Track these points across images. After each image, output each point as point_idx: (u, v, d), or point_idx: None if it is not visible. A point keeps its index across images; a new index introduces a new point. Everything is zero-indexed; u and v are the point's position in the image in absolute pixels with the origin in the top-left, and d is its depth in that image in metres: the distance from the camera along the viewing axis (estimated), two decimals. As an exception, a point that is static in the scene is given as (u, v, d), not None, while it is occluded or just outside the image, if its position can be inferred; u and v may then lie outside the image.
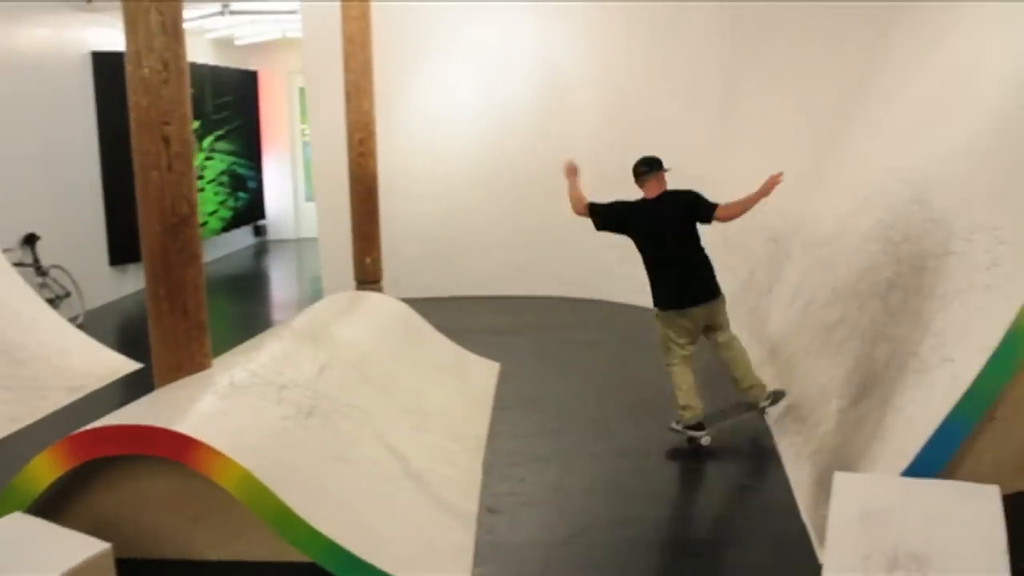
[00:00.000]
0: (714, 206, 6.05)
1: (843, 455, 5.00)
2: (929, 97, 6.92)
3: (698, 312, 6.13)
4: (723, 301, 6.28)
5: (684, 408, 6.11)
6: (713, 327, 6.26)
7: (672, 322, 6.18)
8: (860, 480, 4.02)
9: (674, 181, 10.04)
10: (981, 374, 4.13)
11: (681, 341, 6.19)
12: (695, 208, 6.11)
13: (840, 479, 3.82)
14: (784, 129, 9.13)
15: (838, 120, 8.42)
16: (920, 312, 5.22)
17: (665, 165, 6.34)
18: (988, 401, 4.19)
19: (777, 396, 6.28)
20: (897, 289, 5.76)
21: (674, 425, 6.15)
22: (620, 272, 10.23)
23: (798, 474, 5.36)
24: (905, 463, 4.10)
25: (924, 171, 6.27)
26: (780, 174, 5.87)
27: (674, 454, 6.00)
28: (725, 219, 6.08)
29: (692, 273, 6.14)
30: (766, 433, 6.19)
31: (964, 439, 4.13)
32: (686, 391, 6.13)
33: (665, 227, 6.11)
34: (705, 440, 6.05)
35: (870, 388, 5.28)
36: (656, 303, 6.27)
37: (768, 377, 6.89)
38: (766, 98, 9.57)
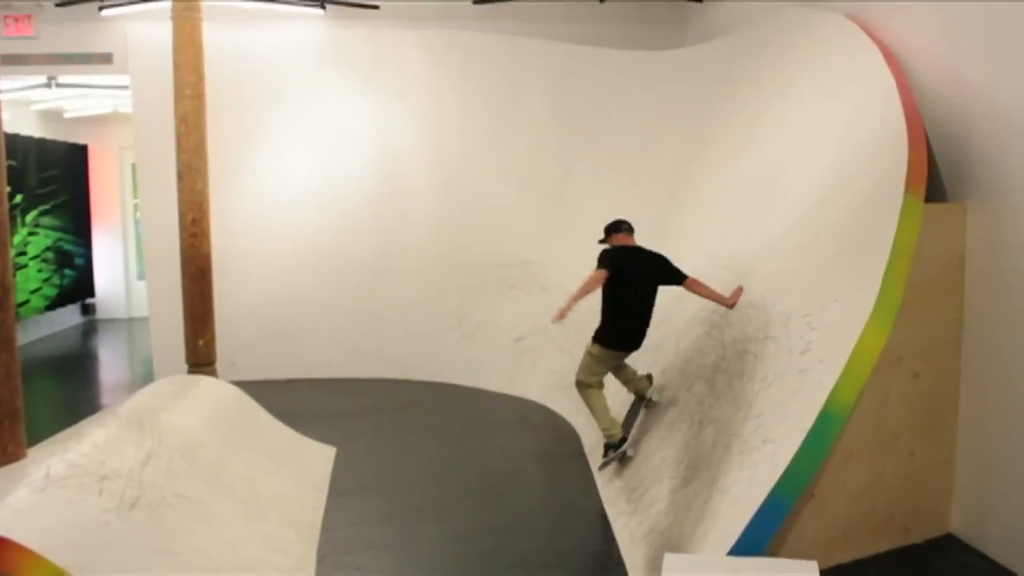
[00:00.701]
0: (684, 274, 6.57)
1: (674, 535, 5.13)
2: (752, 185, 7.35)
3: (622, 356, 6.86)
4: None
5: (609, 427, 6.73)
6: (618, 375, 6.99)
7: (609, 358, 6.79)
8: (689, 561, 4.13)
9: (512, 264, 10.23)
10: (798, 454, 4.32)
11: (605, 373, 6.87)
12: (667, 270, 6.63)
13: (670, 560, 3.91)
14: (615, 214, 9.43)
15: (667, 206, 8.84)
16: (743, 395, 5.46)
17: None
18: (806, 480, 4.38)
19: (650, 378, 7.02)
20: (722, 372, 6.02)
21: (604, 458, 6.79)
22: (459, 354, 10.32)
23: (632, 554, 5.45)
24: (731, 542, 4.23)
25: (743, 259, 6.62)
26: (741, 288, 6.41)
27: (509, 536, 6.01)
28: (690, 288, 6.54)
29: (644, 325, 6.74)
30: (601, 513, 6.28)
31: (785, 517, 4.29)
32: (606, 412, 6.75)
33: (642, 277, 6.67)
34: (630, 452, 6.67)
35: (699, 469, 5.46)
36: (603, 340, 6.77)
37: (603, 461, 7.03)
38: (598, 184, 9.95)
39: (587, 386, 6.79)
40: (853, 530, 5.40)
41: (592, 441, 7.61)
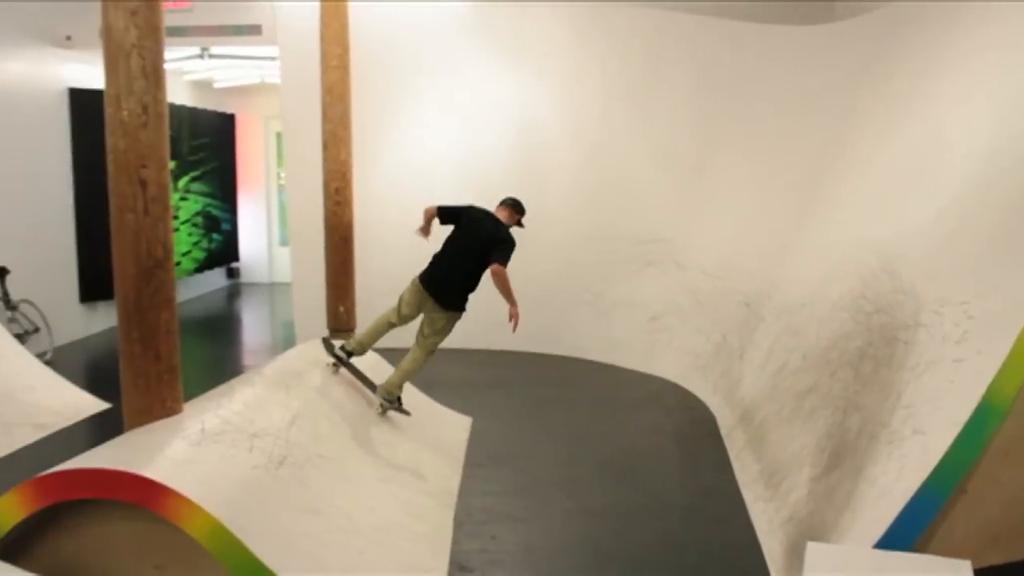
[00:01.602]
0: (501, 261, 6.54)
1: (815, 524, 5.01)
2: (899, 169, 7.06)
3: (428, 304, 6.82)
4: (448, 319, 6.88)
5: (357, 341, 7.01)
6: (424, 326, 6.96)
7: (414, 291, 6.87)
8: (833, 551, 4.04)
9: (650, 241, 10.14)
10: (952, 447, 4.16)
11: (404, 310, 6.94)
12: (495, 246, 6.64)
13: (813, 550, 3.82)
14: (756, 193, 9.27)
15: (810, 187, 8.56)
16: (892, 383, 5.28)
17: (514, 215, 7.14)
18: (959, 474, 4.22)
19: (386, 407, 6.81)
20: (868, 359, 5.83)
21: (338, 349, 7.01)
22: (594, 330, 10.30)
23: (770, 542, 5.36)
24: (877, 535, 4.11)
25: (894, 243, 6.37)
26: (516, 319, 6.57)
27: (644, 515, 5.98)
28: (494, 275, 6.52)
29: (454, 279, 6.77)
30: (737, 497, 6.18)
31: (936, 512, 4.15)
32: (370, 333, 7.02)
33: (473, 236, 6.77)
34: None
35: (842, 457, 5.31)
36: (421, 275, 6.89)
37: (740, 442, 6.92)
38: (739, 161, 9.72)
39: (386, 313, 7.05)
40: (1006, 531, 5.16)
41: (729, 423, 7.50)
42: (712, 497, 6.30)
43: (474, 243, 6.71)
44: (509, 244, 6.70)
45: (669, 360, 9.52)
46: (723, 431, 7.55)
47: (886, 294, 6.05)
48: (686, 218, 10.08)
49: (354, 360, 7.04)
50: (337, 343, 7.08)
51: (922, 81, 7.37)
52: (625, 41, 10.63)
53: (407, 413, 6.87)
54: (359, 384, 6.99)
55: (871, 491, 4.63)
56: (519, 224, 7.12)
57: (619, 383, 9.42)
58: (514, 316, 6.51)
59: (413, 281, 6.89)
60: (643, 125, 10.51)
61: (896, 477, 4.48)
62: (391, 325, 7.01)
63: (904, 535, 4.07)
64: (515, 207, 7.10)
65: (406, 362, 6.91)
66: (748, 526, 5.71)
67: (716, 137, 10.12)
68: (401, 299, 6.95)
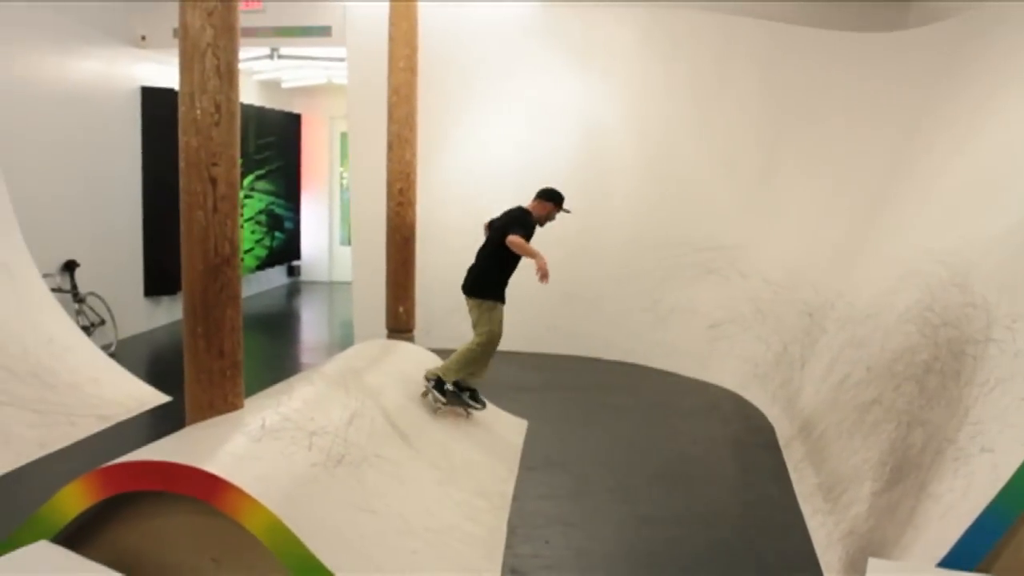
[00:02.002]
0: (513, 233, 6.85)
1: (876, 540, 4.92)
2: (972, 179, 6.90)
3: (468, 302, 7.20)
4: (477, 308, 7.13)
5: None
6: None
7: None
8: (895, 568, 3.96)
9: (711, 248, 10.07)
10: (1023, 466, 4.05)
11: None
12: (506, 227, 6.97)
13: (875, 565, 3.75)
14: (822, 201, 9.15)
15: (877, 195, 8.42)
16: (959, 398, 5.16)
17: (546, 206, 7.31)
18: (1029, 494, 4.11)
19: (427, 389, 6.99)
20: (934, 373, 5.70)
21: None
22: (651, 336, 10.24)
23: (828, 556, 5.27)
24: (941, 553, 4.01)
25: (963, 254, 6.23)
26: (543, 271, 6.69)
27: (699, 524, 5.92)
28: (510, 245, 6.83)
29: (472, 268, 7.28)
30: (795, 509, 6.09)
31: (1004, 532, 4.04)
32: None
33: (492, 230, 7.28)
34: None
35: (905, 472, 5.20)
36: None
37: (799, 454, 6.83)
38: (805, 169, 9.61)
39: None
40: (1076, 554, 5.03)
41: (788, 434, 7.40)
42: (769, 508, 6.21)
43: (492, 234, 7.21)
44: (517, 219, 7.01)
45: (728, 368, 9.42)
46: (781, 442, 7.45)
47: (955, 307, 5.91)
48: (749, 226, 9.98)
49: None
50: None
51: (999, 90, 7.21)
52: (691, 45, 10.56)
53: (442, 403, 6.93)
54: (420, 384, 7.02)
55: (935, 508, 4.53)
56: (558, 210, 7.31)
57: (676, 390, 9.36)
58: (540, 269, 6.65)
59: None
60: (708, 130, 10.43)
61: (962, 495, 4.37)
62: None
63: (970, 554, 3.97)
64: (544, 196, 7.29)
65: (456, 352, 7.13)
66: (806, 539, 5.62)
67: (782, 144, 10.01)
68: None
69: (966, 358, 5.39)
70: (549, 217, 7.23)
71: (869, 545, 4.92)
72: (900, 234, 7.50)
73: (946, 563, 3.98)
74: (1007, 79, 7.20)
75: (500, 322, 7.11)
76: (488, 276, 7.11)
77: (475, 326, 7.11)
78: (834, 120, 9.54)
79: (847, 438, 6.37)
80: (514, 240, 6.74)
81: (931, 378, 5.70)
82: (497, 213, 7.37)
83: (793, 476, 6.66)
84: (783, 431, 7.60)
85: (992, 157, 6.80)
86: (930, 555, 4.17)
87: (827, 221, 8.93)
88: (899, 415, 5.82)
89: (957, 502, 4.36)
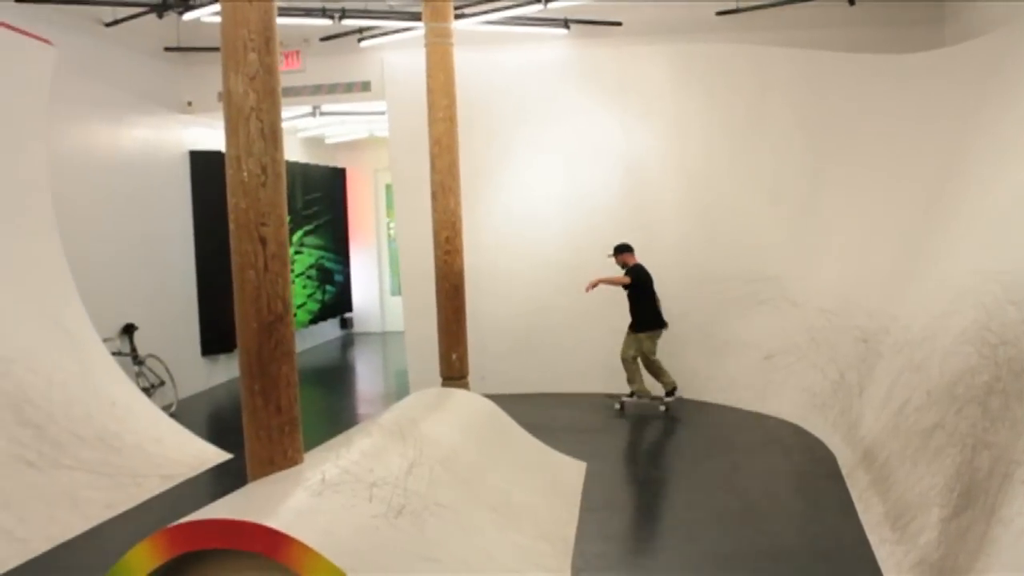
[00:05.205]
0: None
1: (947, 568, 4.82)
2: (1019, 197, 6.82)
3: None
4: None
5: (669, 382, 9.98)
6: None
7: (657, 335, 9.95)
8: (968, 596, 3.88)
9: (761, 279, 10.07)
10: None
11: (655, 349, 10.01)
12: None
13: (947, 594, 3.68)
14: (870, 226, 9.07)
15: (927, 217, 8.34)
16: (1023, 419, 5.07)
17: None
18: (1103, 515, 4.02)
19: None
20: (996, 394, 5.61)
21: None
22: (706, 371, 10.18)
23: (899, 585, 5.18)
24: (1016, 579, 3.94)
25: (1017, 272, 6.14)
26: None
27: (766, 560, 5.84)
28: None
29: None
30: (862, 540, 5.99)
31: (1078, 555, 3.95)
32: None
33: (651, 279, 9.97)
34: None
35: (973, 497, 5.11)
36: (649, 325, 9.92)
37: (863, 483, 6.73)
38: (851, 194, 9.54)
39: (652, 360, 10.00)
40: None
41: (850, 463, 7.29)
42: (836, 540, 6.11)
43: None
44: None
45: (785, 399, 9.33)
46: (844, 471, 7.34)
47: (1013, 325, 5.82)
48: (798, 254, 9.92)
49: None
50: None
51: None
52: (727, 79, 10.59)
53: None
54: (476, 430, 7.05)
55: (1007, 533, 4.43)
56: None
57: (734, 423, 9.28)
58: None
59: (649, 334, 9.98)
60: (750, 162, 10.42)
61: (1034, 518, 4.28)
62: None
63: (1045, 579, 3.88)
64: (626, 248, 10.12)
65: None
66: (875, 570, 5.52)
67: (826, 170, 9.96)
68: (648, 349, 9.98)
69: (1028, 377, 5.30)
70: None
71: (941, 574, 4.83)
72: (951, 255, 7.41)
73: (1021, 588, 3.89)
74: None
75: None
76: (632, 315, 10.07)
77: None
78: (876, 144, 9.47)
79: (911, 465, 6.27)
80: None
81: (993, 399, 5.61)
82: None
83: (858, 506, 6.55)
84: (845, 460, 7.49)
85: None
86: (1005, 581, 4.09)
87: (876, 245, 8.85)
88: (963, 439, 5.72)
89: (1030, 525, 4.27)
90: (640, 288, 9.80)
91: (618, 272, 10.01)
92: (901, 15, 10.58)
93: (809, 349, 9.30)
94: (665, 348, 10.45)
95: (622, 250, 9.95)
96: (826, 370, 8.87)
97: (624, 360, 9.90)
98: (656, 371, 9.89)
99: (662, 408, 9.80)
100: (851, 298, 8.91)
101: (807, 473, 7.61)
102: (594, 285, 9.76)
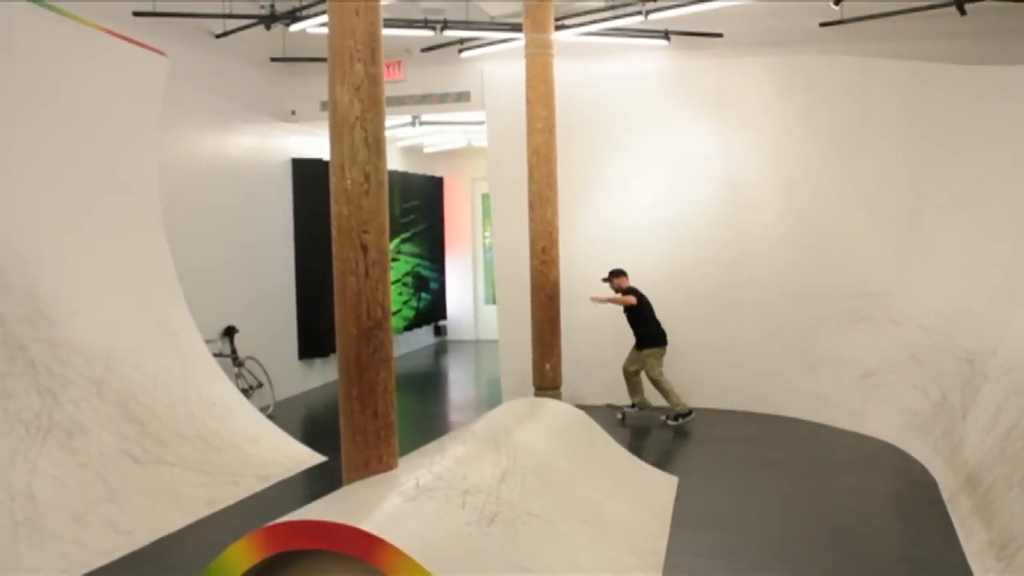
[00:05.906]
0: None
1: (1055, 599, 4.65)
2: None
3: None
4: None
5: (678, 404, 9.99)
6: None
7: (662, 352, 10.20)
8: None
9: (861, 296, 9.88)
10: None
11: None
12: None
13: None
14: (976, 243, 8.80)
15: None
16: None
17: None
18: None
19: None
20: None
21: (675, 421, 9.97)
22: (802, 388, 10.00)
23: (1004, 617, 5.00)
24: None
25: None
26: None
27: (862, 584, 5.71)
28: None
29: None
30: (964, 567, 5.80)
31: None
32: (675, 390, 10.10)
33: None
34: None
35: (1085, 528, 4.91)
36: (655, 342, 10.22)
37: (965, 508, 6.52)
38: (956, 210, 9.28)
39: (659, 377, 10.08)
40: None
41: (952, 488, 7.07)
42: (936, 567, 5.93)
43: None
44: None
45: (883, 419, 9.10)
46: (945, 496, 7.12)
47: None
48: (900, 271, 9.68)
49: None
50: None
51: None
52: (830, 90, 10.40)
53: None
54: (569, 440, 7.05)
55: (1121, 566, 4.26)
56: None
57: (829, 442, 9.09)
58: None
59: (657, 350, 10.23)
60: (853, 175, 10.21)
61: None
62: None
63: None
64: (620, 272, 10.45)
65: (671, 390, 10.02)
66: (979, 600, 5.35)
67: (931, 185, 9.69)
68: (658, 363, 10.19)
69: None
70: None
71: (1048, 606, 4.65)
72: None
73: None
74: None
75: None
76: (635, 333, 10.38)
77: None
78: (983, 158, 9.17)
79: (1019, 492, 6.05)
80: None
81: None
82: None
83: (960, 532, 6.34)
84: (946, 484, 7.27)
85: None
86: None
87: (982, 263, 8.57)
88: (1075, 466, 5.51)
89: None
90: (642, 308, 10.15)
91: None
92: (1015, 23, 10.19)
93: (910, 368, 9.05)
94: (757, 363, 10.30)
95: (618, 274, 10.30)
96: (928, 390, 8.62)
97: (625, 372, 10.34)
98: (664, 391, 10.04)
99: (663, 418, 10.07)
100: (955, 318, 8.65)
101: (906, 496, 7.41)
102: (602, 302, 10.13)
